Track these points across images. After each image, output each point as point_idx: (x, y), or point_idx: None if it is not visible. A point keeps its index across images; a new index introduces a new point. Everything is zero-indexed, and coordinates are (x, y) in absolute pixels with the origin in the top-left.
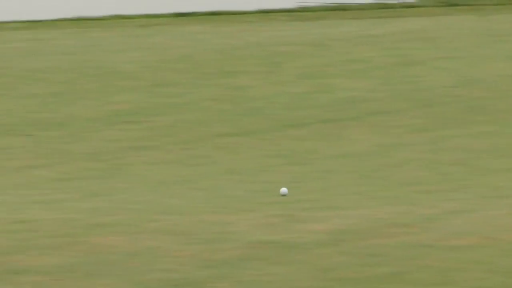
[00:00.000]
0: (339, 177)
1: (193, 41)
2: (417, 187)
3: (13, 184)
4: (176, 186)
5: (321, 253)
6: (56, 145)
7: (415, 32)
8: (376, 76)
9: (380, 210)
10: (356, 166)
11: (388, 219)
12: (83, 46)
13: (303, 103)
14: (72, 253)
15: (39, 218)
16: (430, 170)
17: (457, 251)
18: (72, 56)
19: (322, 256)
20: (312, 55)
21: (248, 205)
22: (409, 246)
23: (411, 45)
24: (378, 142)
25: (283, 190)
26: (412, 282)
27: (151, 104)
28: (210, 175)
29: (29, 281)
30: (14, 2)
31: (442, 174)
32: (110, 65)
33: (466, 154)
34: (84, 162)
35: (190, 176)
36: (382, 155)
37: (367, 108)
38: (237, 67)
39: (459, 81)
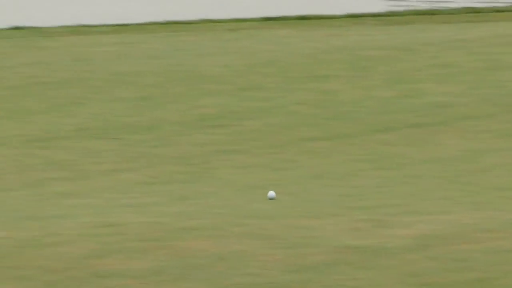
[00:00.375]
0: (426, 182)
1: (281, 45)
2: (504, 192)
3: (101, 187)
4: (263, 190)
5: (407, 258)
6: (143, 148)
7: (505, 37)
8: (465, 80)
9: (467, 215)
10: (443, 171)
11: (475, 224)
12: (171, 49)
13: (391, 107)
14: (159, 256)
15: (126, 222)
16: None
17: None
18: (160, 60)
19: (408, 261)
20: (400, 60)
21: (335, 209)
22: (495, 251)
23: (501, 49)
24: (467, 147)
25: (271, 193)
26: (498, 287)
27: (238, 108)
28: (297, 179)
29: (117, 284)
30: (102, 5)
31: None
32: (198, 69)
33: None
34: (171, 165)
35: (277, 180)
36: (470, 160)
37: (455, 113)
38: (325, 71)
39: None
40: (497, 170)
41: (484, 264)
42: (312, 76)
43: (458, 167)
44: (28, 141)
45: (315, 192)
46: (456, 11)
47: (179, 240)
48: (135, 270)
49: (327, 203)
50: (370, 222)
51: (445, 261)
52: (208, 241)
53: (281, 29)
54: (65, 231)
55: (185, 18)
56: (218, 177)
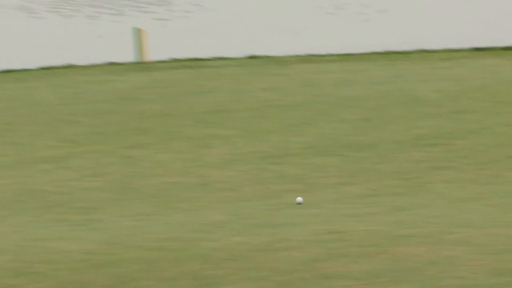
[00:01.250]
0: None
1: (490, 73)
2: None
3: (327, 199)
4: (472, 202)
5: None
6: (365, 164)
7: None
8: None
9: None
10: None
11: None
12: (391, 76)
13: None
14: (378, 261)
15: (349, 229)
16: None
17: None
18: (381, 85)
19: None
20: None
21: None
22: None
23: None
24: None
25: (299, 199)
26: None
27: (450, 129)
28: (503, 193)
29: (340, 285)
30: (330, 37)
31: None
32: (414, 93)
33: None
34: (390, 180)
35: (484, 194)
36: None
37: None
38: None
39: None
40: None
41: None
42: None
43: None
44: (263, 157)
45: None
46: None
47: (396, 246)
48: (357, 272)
49: None
50: None
51: None
52: (422, 247)
53: (489, 59)
54: (294, 237)
55: (402, 48)
56: (431, 191)
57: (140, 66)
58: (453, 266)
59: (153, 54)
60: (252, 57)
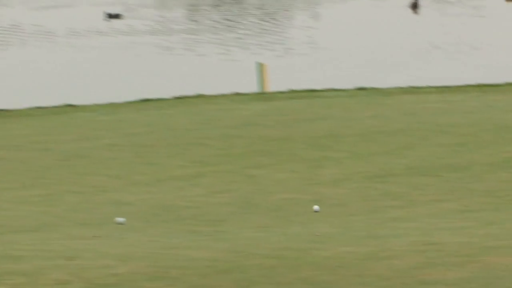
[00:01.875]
0: None
1: None
2: None
3: (425, 214)
4: None
5: None
6: (459, 184)
7: None
8: None
9: None
10: None
11: None
12: (482, 106)
13: None
14: (470, 269)
15: (445, 241)
16: None
17: None
18: (473, 114)
19: None
20: None
21: None
22: None
23: None
24: None
25: (316, 207)
26: None
27: None
28: None
29: None
30: (428, 71)
31: None
32: (504, 121)
33: None
34: (481, 197)
35: None
36: None
37: None
38: None
39: None
40: None
41: None
42: None
43: None
44: (369, 177)
45: None
46: None
47: (487, 256)
48: (451, 279)
49: None
50: None
51: None
52: (510, 257)
53: None
54: (396, 247)
55: (493, 81)
56: None
57: (262, 96)
58: None
59: (273, 85)
60: (360, 89)
